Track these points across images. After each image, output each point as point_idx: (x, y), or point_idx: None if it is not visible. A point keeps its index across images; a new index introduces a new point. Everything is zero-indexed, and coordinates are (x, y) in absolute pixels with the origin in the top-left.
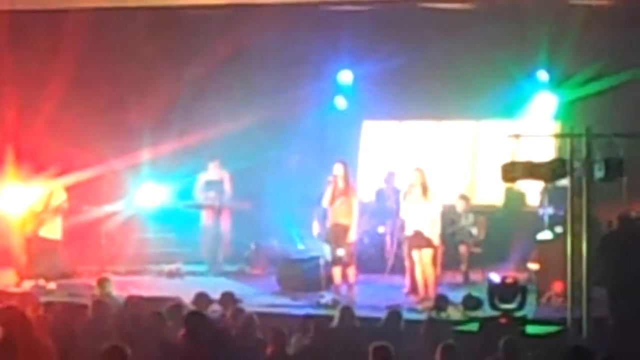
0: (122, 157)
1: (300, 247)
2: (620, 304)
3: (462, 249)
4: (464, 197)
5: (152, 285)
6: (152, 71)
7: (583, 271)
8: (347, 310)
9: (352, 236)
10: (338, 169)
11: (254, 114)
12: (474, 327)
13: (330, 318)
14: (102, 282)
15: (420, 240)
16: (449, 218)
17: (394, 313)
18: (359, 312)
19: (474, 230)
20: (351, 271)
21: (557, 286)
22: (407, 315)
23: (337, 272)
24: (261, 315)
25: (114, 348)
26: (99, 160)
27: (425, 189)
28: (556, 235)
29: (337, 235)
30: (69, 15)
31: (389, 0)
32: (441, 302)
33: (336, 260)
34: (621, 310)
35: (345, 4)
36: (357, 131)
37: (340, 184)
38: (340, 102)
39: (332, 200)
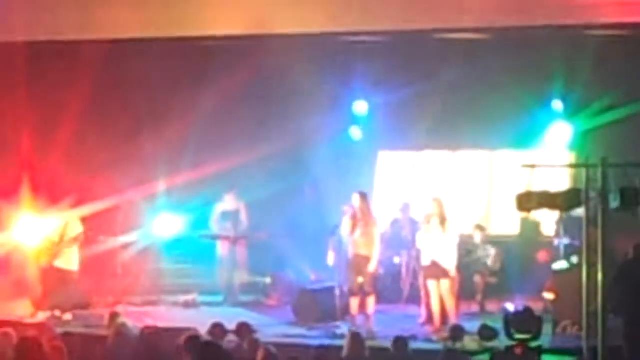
0: (138, 187)
1: (315, 277)
2: (636, 333)
3: (478, 279)
4: (480, 228)
5: (168, 316)
6: (168, 102)
7: (599, 301)
8: (356, 338)
9: (373, 267)
10: (356, 200)
11: (269, 145)
12: (489, 357)
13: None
14: (113, 317)
15: (437, 271)
16: (466, 248)
17: (399, 340)
18: (375, 343)
19: (490, 261)
20: (371, 301)
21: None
22: (423, 345)
23: (354, 302)
24: (277, 345)
25: None
26: (114, 191)
27: (443, 220)
28: (572, 265)
29: (358, 265)
30: (84, 47)
31: (404, 31)
32: (457, 332)
33: (355, 291)
34: (637, 340)
35: (361, 34)
36: (372, 161)
37: (360, 214)
38: (356, 132)
39: (352, 230)
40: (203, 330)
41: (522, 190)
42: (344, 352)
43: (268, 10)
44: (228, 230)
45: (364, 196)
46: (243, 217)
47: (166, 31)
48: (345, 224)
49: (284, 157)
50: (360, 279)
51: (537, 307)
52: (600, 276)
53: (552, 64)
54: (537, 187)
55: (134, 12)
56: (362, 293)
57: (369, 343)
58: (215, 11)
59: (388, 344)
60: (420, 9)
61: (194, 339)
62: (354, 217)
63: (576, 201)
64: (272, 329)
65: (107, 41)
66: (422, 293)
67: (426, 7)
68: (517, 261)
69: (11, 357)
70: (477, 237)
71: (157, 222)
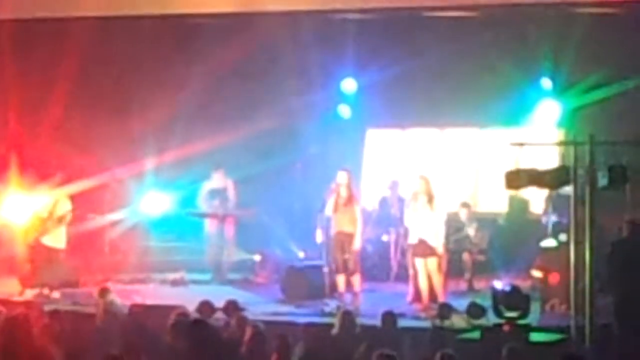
0: (126, 165)
1: (303, 255)
2: (627, 311)
3: (466, 257)
4: (466, 205)
5: (156, 294)
6: (156, 80)
7: (587, 279)
8: (347, 316)
9: (357, 244)
10: (342, 177)
11: (257, 122)
12: (477, 335)
13: (332, 325)
14: (102, 292)
15: (424, 249)
16: (453, 226)
17: (388, 315)
18: (362, 320)
19: (478, 239)
20: (356, 279)
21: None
22: (410, 323)
23: (341, 280)
24: (265, 323)
25: (113, 358)
26: (102, 169)
27: (430, 197)
28: (560, 243)
29: (341, 243)
30: (73, 24)
31: (393, 9)
32: (445, 310)
33: (340, 268)
34: (627, 317)
35: (349, 12)
36: (360, 139)
37: (344, 192)
38: (344, 110)
39: (335, 208)
40: (191, 308)
41: (511, 168)
42: (335, 330)
43: None
44: (216, 208)
45: (349, 173)
46: (231, 194)
47: (155, 8)
48: (329, 202)
49: (272, 134)
50: (347, 256)
51: (525, 285)
52: (588, 254)
53: (541, 42)
54: (526, 164)
55: None
56: (347, 271)
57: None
58: None
59: (376, 321)
60: None
61: (182, 316)
62: (337, 195)
63: (564, 179)
64: (260, 306)
65: (95, 18)
66: (410, 271)
67: None
68: (506, 239)
69: None
70: (463, 215)
71: (145, 200)
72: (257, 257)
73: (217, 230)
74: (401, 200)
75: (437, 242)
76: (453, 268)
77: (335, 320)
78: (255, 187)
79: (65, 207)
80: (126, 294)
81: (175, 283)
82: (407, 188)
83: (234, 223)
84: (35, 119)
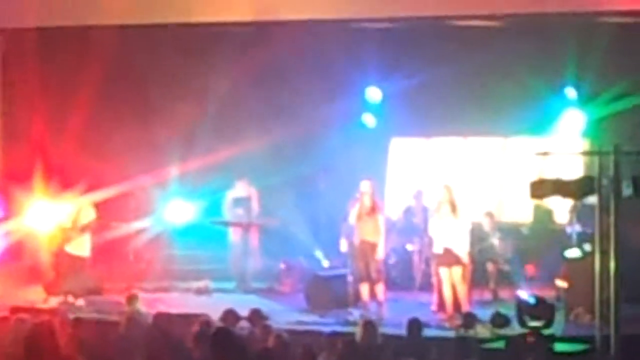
0: (150, 174)
1: (327, 264)
2: None
3: (490, 266)
4: (490, 215)
5: (180, 302)
6: (180, 88)
7: (611, 289)
8: (369, 325)
9: (381, 253)
10: (365, 186)
11: (281, 131)
12: (501, 344)
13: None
14: (130, 299)
15: (449, 258)
16: (477, 236)
17: (414, 322)
18: (386, 330)
19: (502, 248)
20: (380, 288)
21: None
22: (435, 332)
23: (364, 289)
24: (289, 332)
25: None
26: (127, 177)
27: (454, 207)
28: (585, 253)
29: (365, 252)
30: (95, 32)
31: (417, 18)
32: (469, 319)
33: (364, 278)
34: None
35: (373, 21)
36: (385, 148)
37: (367, 201)
38: (369, 119)
39: (359, 217)
40: (215, 316)
41: (535, 177)
42: (357, 339)
43: None
44: (240, 216)
45: (372, 182)
46: (255, 203)
47: (179, 17)
48: (353, 211)
49: (296, 143)
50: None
51: (549, 294)
52: (612, 264)
53: (565, 51)
54: (550, 174)
55: None
56: (371, 280)
57: (380, 330)
58: None
59: (400, 330)
60: None
61: (206, 325)
62: (360, 204)
63: (589, 189)
64: (284, 315)
65: (119, 27)
66: (434, 280)
67: None
68: (530, 249)
69: (24, 342)
70: (487, 224)
71: (169, 209)
72: (281, 266)
73: (241, 239)
74: (425, 210)
75: (462, 251)
76: (477, 277)
77: (357, 330)
78: (279, 196)
79: (89, 215)
80: (150, 303)
81: (199, 292)
82: (431, 197)
83: (258, 232)
84: (59, 127)
